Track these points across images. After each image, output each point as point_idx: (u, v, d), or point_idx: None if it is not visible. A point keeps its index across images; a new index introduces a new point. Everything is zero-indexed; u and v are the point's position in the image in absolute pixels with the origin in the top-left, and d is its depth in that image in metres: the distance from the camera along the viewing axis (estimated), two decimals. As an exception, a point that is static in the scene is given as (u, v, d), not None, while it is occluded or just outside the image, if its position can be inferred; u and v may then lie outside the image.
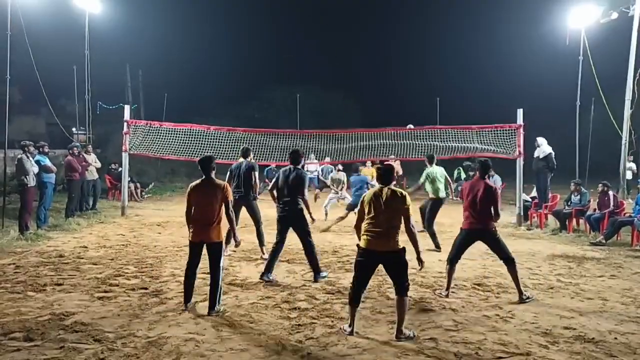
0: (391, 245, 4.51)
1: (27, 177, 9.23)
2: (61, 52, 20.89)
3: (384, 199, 4.57)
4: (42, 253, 7.76)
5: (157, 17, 33.34)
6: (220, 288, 5.18)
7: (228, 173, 7.99)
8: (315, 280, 6.39)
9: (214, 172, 5.25)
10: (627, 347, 4.37)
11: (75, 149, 11.74)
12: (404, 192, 4.64)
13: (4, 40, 10.16)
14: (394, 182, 12.20)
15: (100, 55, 20.93)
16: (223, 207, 5.18)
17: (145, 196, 16.75)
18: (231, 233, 7.48)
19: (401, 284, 4.52)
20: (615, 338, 4.58)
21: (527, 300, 5.62)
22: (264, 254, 7.61)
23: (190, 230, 5.22)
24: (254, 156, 13.49)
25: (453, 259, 5.93)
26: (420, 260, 4.65)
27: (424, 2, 41.86)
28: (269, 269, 6.43)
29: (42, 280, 6.16)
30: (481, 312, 5.26)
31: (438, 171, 8.92)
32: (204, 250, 5.25)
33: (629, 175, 15.47)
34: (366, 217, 4.62)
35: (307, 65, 39.42)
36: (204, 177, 5.23)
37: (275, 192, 6.69)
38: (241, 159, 8.06)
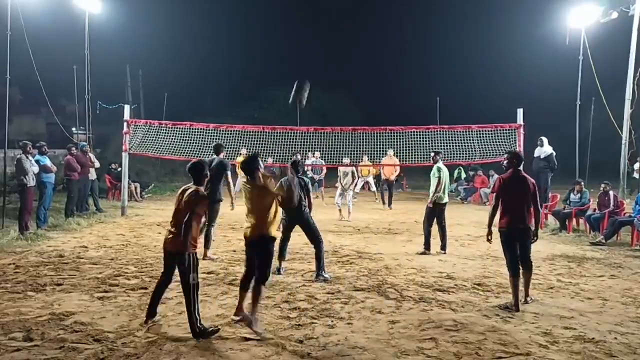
0: (259, 232, 4.76)
1: (26, 177, 9.22)
2: (61, 52, 20.93)
3: (254, 193, 4.81)
4: (42, 253, 7.76)
5: (157, 17, 33.40)
6: (195, 310, 4.46)
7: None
8: (317, 278, 6.48)
9: (203, 179, 4.83)
10: (627, 347, 4.37)
11: (74, 148, 11.79)
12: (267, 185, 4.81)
13: (4, 40, 10.16)
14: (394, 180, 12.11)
15: (100, 55, 20.92)
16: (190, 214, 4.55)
17: (145, 196, 16.75)
18: (209, 239, 7.63)
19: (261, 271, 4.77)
20: (615, 338, 4.58)
21: (529, 302, 5.59)
22: (207, 255, 7.51)
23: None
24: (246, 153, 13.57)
25: (514, 267, 5.49)
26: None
27: (424, 2, 41.85)
28: (281, 256, 6.86)
29: (42, 280, 6.16)
30: (481, 312, 5.26)
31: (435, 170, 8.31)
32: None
33: (636, 175, 15.45)
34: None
35: (307, 65, 39.41)
36: (191, 184, 4.81)
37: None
38: (214, 155, 7.99)
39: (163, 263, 4.83)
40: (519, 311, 5.29)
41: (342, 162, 13.05)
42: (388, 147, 13.49)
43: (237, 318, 4.78)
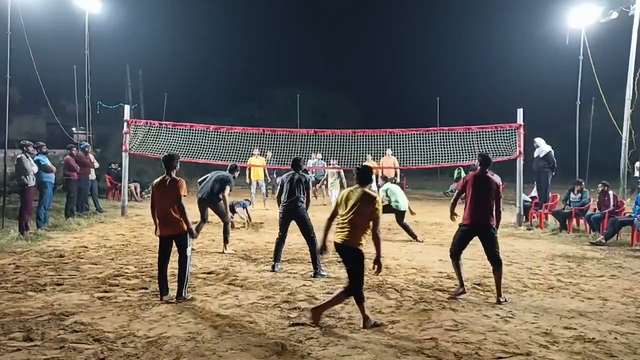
0: (352, 241, 4.75)
1: (26, 177, 9.22)
2: (61, 52, 20.94)
3: (355, 199, 4.77)
4: (42, 253, 7.76)
5: (157, 17, 33.45)
6: (187, 278, 5.51)
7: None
8: (315, 276, 6.55)
9: (175, 170, 5.58)
10: (627, 347, 4.37)
11: (74, 148, 11.80)
12: (376, 196, 4.83)
13: (4, 40, 10.16)
14: (392, 178, 12.37)
15: (100, 55, 20.94)
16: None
17: (145, 196, 16.74)
18: (226, 233, 8.15)
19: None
20: (615, 338, 4.58)
21: (503, 302, 5.57)
22: (226, 249, 8.12)
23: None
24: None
25: (455, 253, 5.86)
26: (378, 264, 4.83)
27: (424, 2, 41.86)
28: (277, 259, 6.99)
29: (42, 280, 6.16)
30: (481, 312, 5.26)
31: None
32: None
33: (637, 173, 15.45)
34: (340, 214, 4.88)
35: (307, 65, 39.55)
36: (164, 174, 5.55)
37: (280, 197, 7.09)
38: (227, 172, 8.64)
39: (160, 246, 5.57)
40: (465, 293, 5.78)
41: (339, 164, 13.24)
42: (387, 147, 13.57)
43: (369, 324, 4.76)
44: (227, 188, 8.27)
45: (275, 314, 5.09)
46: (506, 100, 21.25)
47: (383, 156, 14.27)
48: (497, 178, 15.86)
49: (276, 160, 13.55)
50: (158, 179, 5.59)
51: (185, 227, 5.43)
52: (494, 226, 5.73)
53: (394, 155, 13.64)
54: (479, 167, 6.01)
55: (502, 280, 6.42)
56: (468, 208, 5.80)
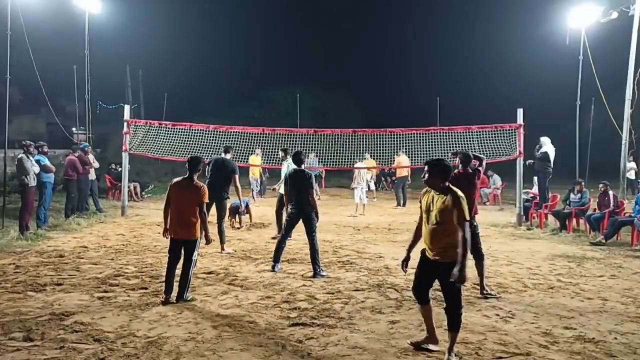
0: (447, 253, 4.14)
1: (27, 176, 9.22)
2: (61, 52, 20.96)
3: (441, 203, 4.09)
4: (42, 253, 7.76)
5: (157, 17, 33.44)
6: (189, 281, 5.51)
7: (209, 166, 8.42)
8: (315, 276, 6.56)
9: (198, 173, 5.55)
10: (627, 347, 4.37)
11: (78, 150, 11.83)
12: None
13: (4, 40, 10.16)
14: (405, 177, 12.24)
15: (100, 55, 20.95)
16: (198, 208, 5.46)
17: (145, 196, 16.76)
18: (222, 234, 8.08)
19: None
20: (615, 338, 4.58)
21: (489, 297, 5.68)
22: (223, 249, 8.07)
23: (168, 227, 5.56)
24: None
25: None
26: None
27: (424, 2, 41.81)
28: (277, 260, 6.94)
29: (42, 280, 6.16)
30: (481, 312, 5.26)
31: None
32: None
33: (632, 175, 15.43)
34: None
35: (307, 65, 39.51)
36: (186, 175, 5.50)
37: (287, 197, 7.08)
38: (223, 155, 8.62)
39: (171, 248, 5.53)
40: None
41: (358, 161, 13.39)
42: (398, 149, 13.62)
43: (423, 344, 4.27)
44: (236, 177, 8.30)
45: (275, 314, 5.09)
46: (506, 100, 21.16)
47: (397, 156, 14.29)
48: (497, 178, 15.92)
49: (277, 160, 13.56)
50: (178, 180, 5.55)
51: (198, 234, 5.44)
52: (475, 221, 5.82)
53: (404, 153, 13.68)
54: (460, 166, 5.98)
55: (502, 280, 6.45)
56: None
